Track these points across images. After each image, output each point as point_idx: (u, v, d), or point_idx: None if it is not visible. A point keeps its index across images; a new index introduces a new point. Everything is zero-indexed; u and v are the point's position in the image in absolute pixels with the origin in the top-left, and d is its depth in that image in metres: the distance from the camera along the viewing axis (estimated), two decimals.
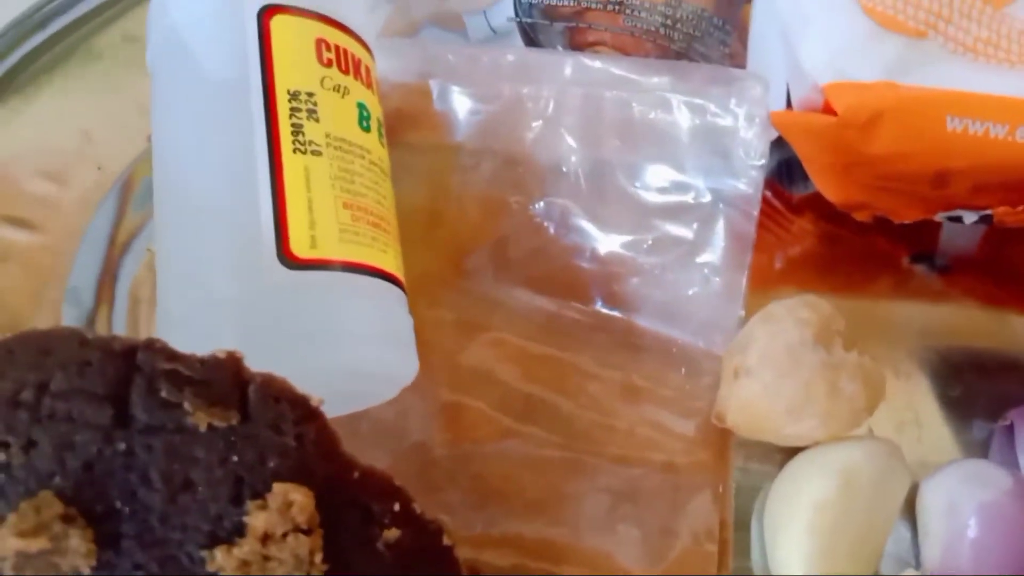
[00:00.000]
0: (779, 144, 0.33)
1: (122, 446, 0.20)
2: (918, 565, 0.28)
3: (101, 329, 0.32)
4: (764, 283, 0.34)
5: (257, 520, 0.20)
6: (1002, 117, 0.29)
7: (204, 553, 0.20)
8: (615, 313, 0.31)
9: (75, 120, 0.35)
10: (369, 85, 0.29)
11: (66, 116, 0.35)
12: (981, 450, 0.31)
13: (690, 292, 0.30)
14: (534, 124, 0.31)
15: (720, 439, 0.30)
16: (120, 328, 0.31)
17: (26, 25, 0.35)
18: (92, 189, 0.34)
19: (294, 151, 0.25)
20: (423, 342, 0.28)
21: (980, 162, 0.29)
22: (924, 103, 0.29)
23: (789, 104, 0.32)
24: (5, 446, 0.20)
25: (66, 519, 0.20)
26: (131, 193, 0.34)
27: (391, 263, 0.27)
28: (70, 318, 0.32)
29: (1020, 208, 0.31)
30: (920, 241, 0.35)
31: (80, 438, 0.20)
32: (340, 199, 0.26)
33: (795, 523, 0.27)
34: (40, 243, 0.33)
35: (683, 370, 0.31)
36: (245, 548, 0.20)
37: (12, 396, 0.21)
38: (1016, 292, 0.35)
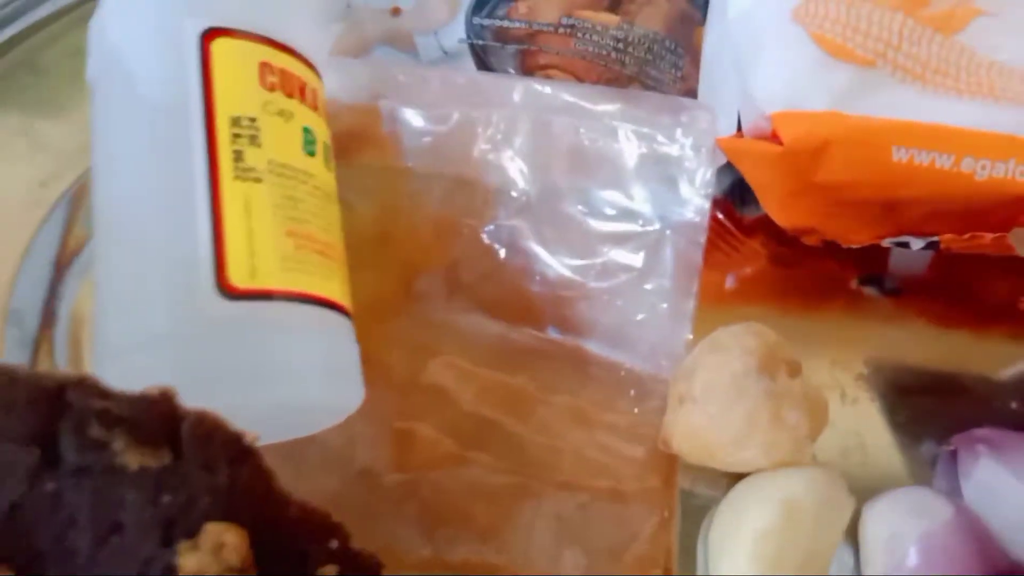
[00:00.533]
0: (731, 166, 0.33)
1: (50, 487, 0.20)
2: None
3: (44, 351, 0.31)
4: (715, 302, 0.34)
5: (188, 561, 0.20)
6: (948, 147, 0.29)
7: None
8: (565, 338, 0.31)
9: (18, 135, 0.34)
10: (315, 108, 0.28)
11: (9, 131, 0.34)
12: (927, 473, 0.32)
13: (639, 317, 0.31)
14: (484, 147, 0.31)
15: (667, 464, 0.30)
16: (62, 349, 0.31)
17: None
18: (34, 206, 0.33)
19: (234, 178, 0.25)
20: (373, 366, 0.28)
21: (926, 192, 0.30)
22: (870, 133, 0.29)
23: (740, 129, 0.32)
24: None
25: None
26: (77, 211, 0.34)
27: (336, 291, 0.27)
28: (12, 339, 0.31)
29: (966, 236, 0.31)
30: (869, 264, 0.35)
31: (5, 480, 0.20)
32: (283, 227, 0.25)
33: (737, 551, 0.27)
34: None
35: (632, 393, 0.31)
36: None
37: None
38: (965, 314, 0.36)
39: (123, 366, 0.24)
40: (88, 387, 0.21)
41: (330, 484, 0.30)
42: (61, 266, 0.33)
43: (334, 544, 0.22)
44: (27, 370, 0.21)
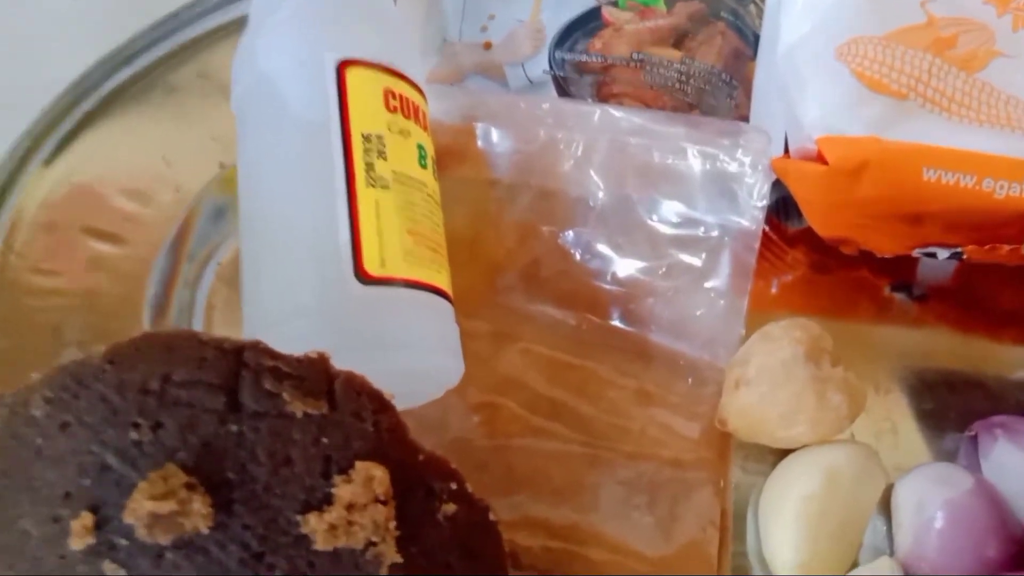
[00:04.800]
0: (777, 185, 0.37)
1: (234, 428, 0.25)
2: (892, 554, 0.33)
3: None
4: (762, 305, 0.38)
5: (343, 491, 0.24)
6: (971, 169, 0.33)
7: (299, 517, 0.24)
8: (631, 329, 0.36)
9: (156, 146, 0.39)
10: (425, 128, 0.33)
11: (148, 142, 0.39)
12: (950, 457, 0.36)
13: (698, 312, 0.35)
14: (565, 164, 0.36)
15: (722, 440, 0.34)
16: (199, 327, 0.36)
17: (114, 61, 0.40)
18: (170, 207, 0.38)
19: (367, 185, 0.30)
20: (463, 349, 0.33)
21: (951, 207, 0.34)
22: (904, 155, 0.33)
23: (787, 151, 0.36)
24: (136, 426, 0.24)
25: (188, 487, 0.24)
26: (199, 212, 0.39)
27: (444, 281, 0.31)
28: (147, 322, 0.36)
29: (987, 247, 0.36)
30: (900, 272, 0.39)
31: (199, 420, 0.25)
32: (404, 226, 0.30)
33: (785, 513, 0.31)
34: (125, 254, 0.37)
35: (690, 380, 0.35)
36: (333, 514, 0.24)
37: (141, 385, 0.25)
38: (984, 319, 0.39)
39: (277, 334, 0.28)
40: (261, 349, 0.25)
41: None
42: (194, 260, 0.37)
43: (453, 486, 0.26)
44: (211, 335, 0.26)
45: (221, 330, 0.36)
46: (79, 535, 0.23)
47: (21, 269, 0.36)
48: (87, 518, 0.24)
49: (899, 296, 0.39)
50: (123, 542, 0.23)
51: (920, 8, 0.37)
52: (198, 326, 0.36)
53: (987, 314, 0.40)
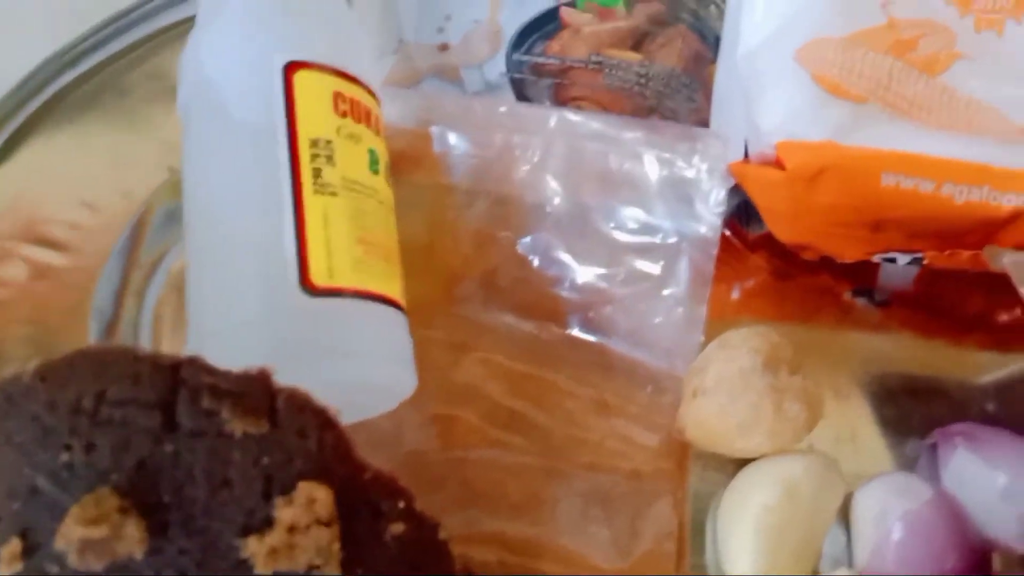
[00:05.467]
0: (737, 189, 0.37)
1: (170, 448, 0.24)
2: (851, 565, 0.32)
3: (122, 342, 0.35)
4: (723, 310, 0.38)
5: (284, 514, 0.24)
6: (930, 174, 0.33)
7: (239, 541, 0.23)
8: (590, 337, 0.35)
9: (104, 151, 0.38)
10: (377, 132, 0.32)
11: (95, 146, 0.38)
12: (911, 464, 0.35)
13: (656, 320, 0.34)
14: (522, 169, 0.35)
15: (680, 450, 0.34)
16: (146, 340, 0.35)
17: (59, 62, 0.39)
18: (118, 214, 0.37)
19: (314, 192, 0.29)
20: (418, 360, 0.32)
21: (911, 213, 0.34)
22: (862, 161, 0.33)
23: (747, 155, 0.36)
24: (68, 448, 0.23)
25: (122, 510, 0.23)
26: (149, 218, 0.38)
27: (396, 290, 0.31)
28: (94, 333, 0.35)
29: (947, 252, 0.35)
30: (861, 278, 0.39)
31: (133, 440, 0.24)
32: (354, 235, 0.29)
33: (743, 525, 0.31)
34: (71, 264, 0.36)
35: (649, 389, 0.34)
36: (274, 537, 0.23)
37: (74, 404, 0.24)
38: (946, 325, 0.39)
39: (219, 348, 0.27)
40: (198, 365, 0.25)
41: (381, 464, 0.34)
42: (140, 267, 0.36)
43: (401, 504, 0.26)
44: (147, 350, 0.25)
45: (170, 340, 0.35)
46: (7, 562, 0.23)
47: None
48: (16, 544, 0.23)
49: (861, 301, 0.39)
50: (54, 569, 0.23)
51: (881, 10, 0.37)
52: (146, 336, 0.35)
53: (949, 320, 0.40)
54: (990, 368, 0.38)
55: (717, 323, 0.35)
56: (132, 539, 0.23)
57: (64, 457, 0.23)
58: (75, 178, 0.37)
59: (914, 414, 0.37)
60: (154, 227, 0.38)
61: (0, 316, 0.34)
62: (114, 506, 0.23)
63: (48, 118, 0.38)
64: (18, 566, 0.22)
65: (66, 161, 0.37)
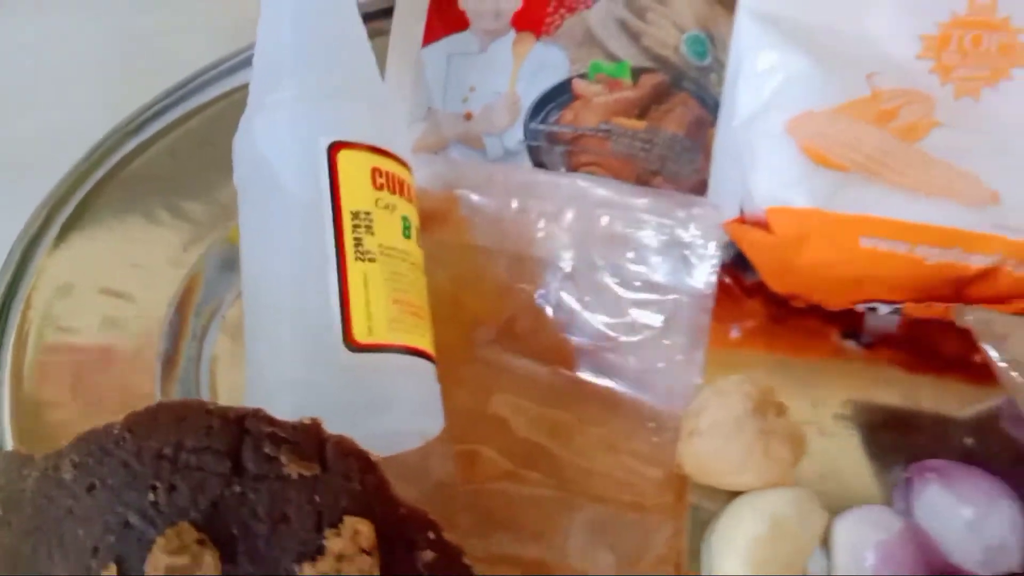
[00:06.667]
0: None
1: (238, 489, 0.28)
2: None
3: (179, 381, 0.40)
4: (724, 348, 0.42)
5: (333, 544, 0.28)
6: (904, 237, 0.36)
7: (295, 567, 0.28)
8: (598, 380, 0.39)
9: (165, 208, 0.42)
10: (410, 199, 0.37)
11: (157, 205, 0.42)
12: (890, 496, 0.39)
13: (659, 365, 0.38)
14: (538, 230, 0.39)
15: (679, 483, 0.37)
16: (205, 381, 0.39)
17: (124, 130, 0.43)
18: (178, 264, 0.41)
19: (356, 259, 0.33)
20: (444, 400, 0.36)
21: (888, 272, 0.37)
22: (843, 226, 0.36)
23: (743, 214, 0.40)
24: (154, 489, 0.28)
25: (200, 542, 0.27)
26: (204, 270, 0.42)
27: (426, 343, 0.35)
28: (159, 373, 0.40)
29: (923, 304, 0.39)
30: (849, 322, 0.43)
31: (208, 483, 0.28)
32: (390, 296, 0.33)
33: (734, 554, 0.35)
34: (137, 312, 0.40)
35: (651, 426, 0.38)
36: (325, 564, 0.27)
37: (157, 452, 0.28)
38: (928, 365, 0.42)
39: (276, 400, 0.32)
40: (261, 417, 0.29)
41: (410, 494, 0.38)
42: (197, 315, 0.41)
43: (431, 535, 0.30)
44: (216, 404, 0.29)
45: (224, 380, 0.39)
46: None
47: (42, 329, 0.39)
48: (112, 569, 0.27)
49: (848, 343, 0.43)
50: None
51: (866, 81, 0.40)
52: (204, 377, 0.39)
53: (930, 360, 0.43)
54: (969, 403, 0.41)
55: (718, 358, 0.39)
56: (208, 566, 0.27)
57: (150, 497, 0.28)
58: (138, 235, 0.42)
59: (897, 449, 0.40)
60: (210, 275, 0.42)
61: (78, 359, 0.39)
62: (193, 538, 0.27)
63: (113, 183, 0.42)
64: None
65: (130, 220, 0.42)
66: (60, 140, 0.44)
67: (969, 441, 0.41)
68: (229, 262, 0.41)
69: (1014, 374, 0.34)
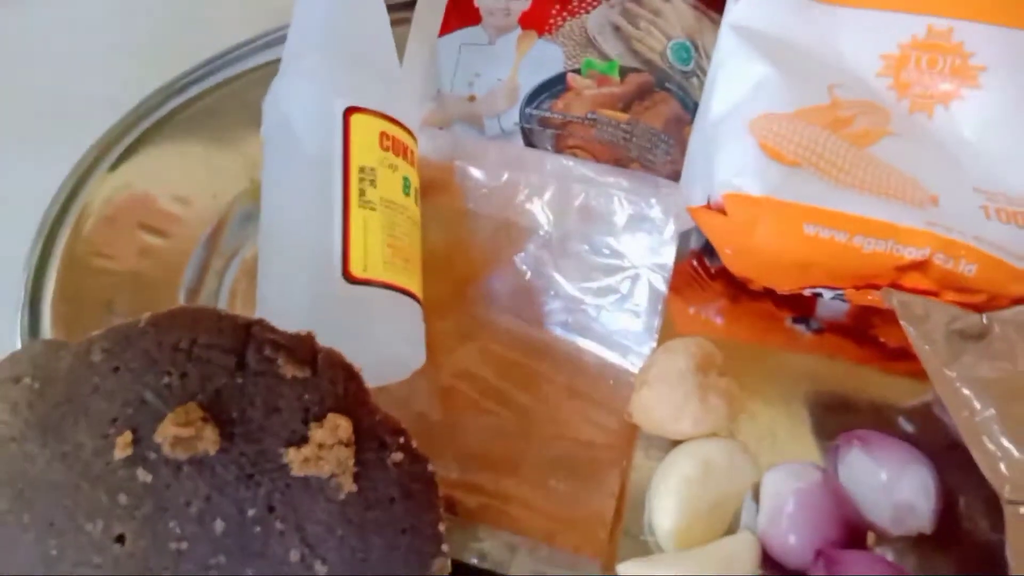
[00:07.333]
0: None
1: (239, 381, 0.33)
2: (755, 530, 0.40)
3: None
4: (687, 327, 0.46)
5: (316, 434, 0.33)
6: (844, 227, 0.41)
7: (282, 450, 0.33)
8: (567, 336, 0.44)
9: (200, 160, 0.48)
10: (412, 163, 0.42)
11: (194, 156, 0.48)
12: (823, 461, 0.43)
13: (620, 327, 0.43)
14: (523, 199, 0.45)
15: (630, 431, 0.42)
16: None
17: (170, 90, 0.49)
18: (207, 210, 0.47)
19: (359, 206, 0.38)
20: (432, 343, 0.41)
21: (829, 258, 0.41)
22: (788, 212, 0.41)
23: (708, 201, 0.44)
24: (168, 374, 0.33)
25: (203, 420, 0.32)
26: (231, 216, 0.48)
27: (415, 285, 0.40)
28: (183, 300, 0.45)
29: (862, 290, 0.43)
30: (800, 307, 0.47)
31: (214, 374, 0.33)
32: (386, 240, 0.39)
33: (668, 491, 0.39)
34: (168, 246, 0.46)
35: (611, 381, 0.43)
36: (308, 450, 0.32)
37: (174, 344, 0.33)
38: (871, 351, 0.46)
39: (280, 315, 0.37)
40: (264, 325, 0.34)
41: None
42: (219, 255, 0.46)
43: (401, 440, 0.35)
44: (227, 311, 0.34)
45: (240, 310, 0.45)
46: (121, 448, 0.32)
47: (85, 253, 0.45)
48: (128, 436, 0.32)
49: (799, 327, 0.47)
50: (152, 455, 0.32)
51: (828, 91, 0.45)
52: (222, 307, 0.44)
53: (878, 349, 0.47)
54: (910, 395, 0.45)
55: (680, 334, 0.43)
56: (208, 440, 0.32)
57: (165, 380, 0.33)
58: (176, 180, 0.47)
59: (832, 425, 0.43)
60: (234, 223, 0.47)
61: (112, 281, 0.44)
62: (198, 416, 0.32)
63: (158, 133, 0.48)
64: (128, 451, 0.32)
65: (169, 167, 0.48)
66: (114, 98, 0.49)
67: (907, 427, 0.44)
68: (252, 211, 0.47)
69: (927, 347, 0.39)
